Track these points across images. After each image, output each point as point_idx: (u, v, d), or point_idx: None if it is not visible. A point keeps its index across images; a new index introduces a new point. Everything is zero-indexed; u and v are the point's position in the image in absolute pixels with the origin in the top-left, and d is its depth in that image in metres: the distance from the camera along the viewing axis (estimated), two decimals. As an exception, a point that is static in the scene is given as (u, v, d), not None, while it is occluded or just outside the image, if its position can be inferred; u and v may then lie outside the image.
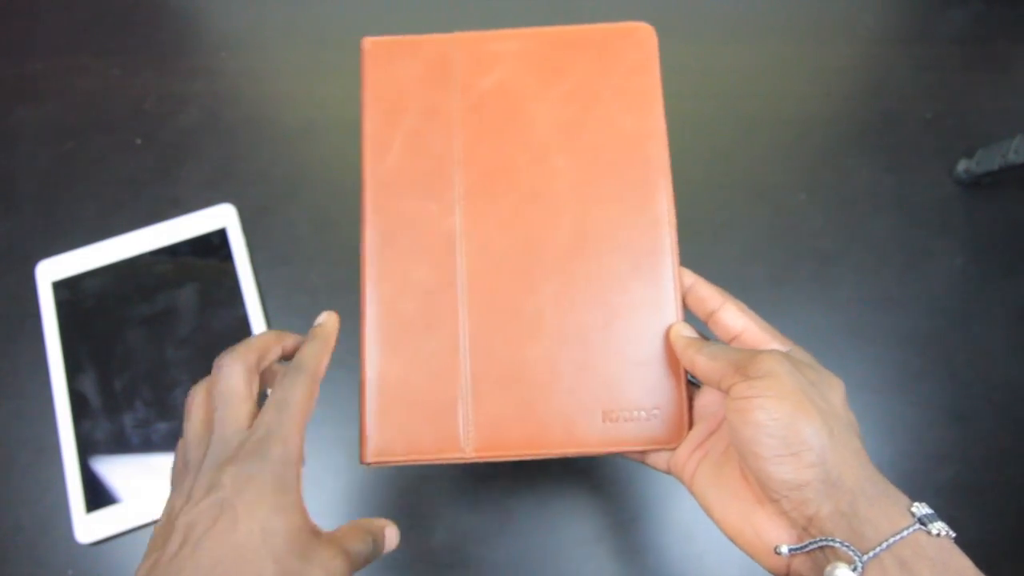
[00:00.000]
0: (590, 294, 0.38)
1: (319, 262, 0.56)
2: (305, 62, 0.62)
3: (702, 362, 0.34)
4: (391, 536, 0.35)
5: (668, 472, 0.38)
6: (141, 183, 0.59)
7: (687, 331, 0.37)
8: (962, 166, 0.56)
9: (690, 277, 0.39)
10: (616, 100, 0.40)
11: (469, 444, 0.37)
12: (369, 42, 0.42)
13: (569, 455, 0.38)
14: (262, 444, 0.31)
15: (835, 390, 0.33)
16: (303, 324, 0.54)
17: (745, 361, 0.32)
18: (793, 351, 0.35)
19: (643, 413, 0.38)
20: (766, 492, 0.31)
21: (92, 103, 0.61)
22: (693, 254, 0.55)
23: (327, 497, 0.50)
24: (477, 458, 0.37)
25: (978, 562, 0.28)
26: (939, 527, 0.28)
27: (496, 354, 0.38)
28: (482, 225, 0.39)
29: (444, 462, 0.37)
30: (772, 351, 0.32)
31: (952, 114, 0.59)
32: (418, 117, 0.40)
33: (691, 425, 0.38)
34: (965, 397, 0.52)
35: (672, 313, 0.38)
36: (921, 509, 0.29)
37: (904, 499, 0.30)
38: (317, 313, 0.54)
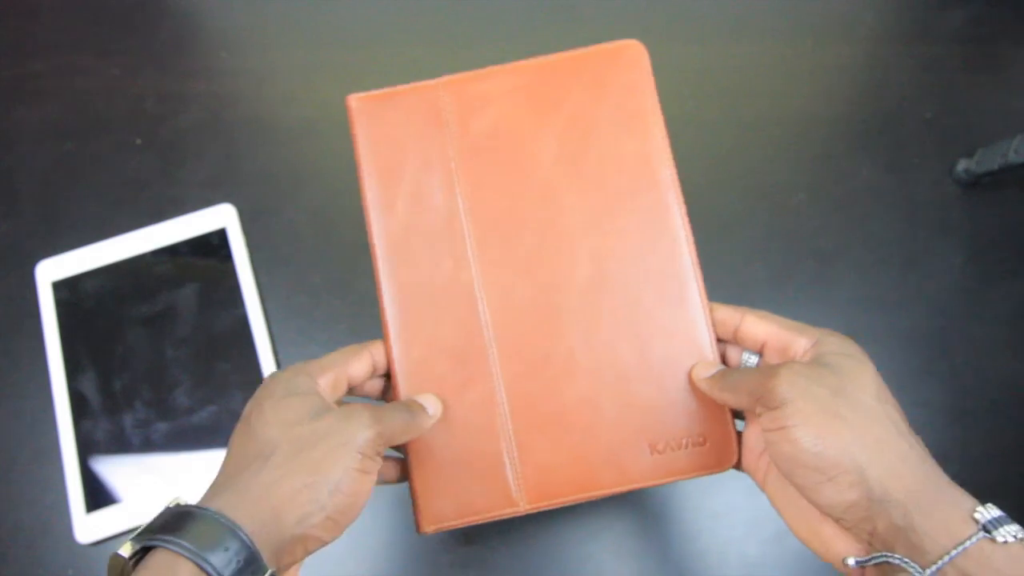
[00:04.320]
0: (619, 327, 0.37)
1: (319, 262, 0.56)
2: (305, 62, 0.62)
3: (728, 399, 0.34)
4: (430, 404, 0.36)
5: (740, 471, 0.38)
6: (141, 183, 0.58)
7: (705, 371, 0.36)
8: (962, 166, 0.56)
9: None
10: (615, 125, 0.39)
11: (522, 497, 0.37)
12: (355, 100, 0.40)
13: (622, 491, 0.37)
14: (280, 370, 0.34)
15: (864, 384, 0.31)
16: (303, 324, 0.55)
17: (760, 389, 0.31)
18: (821, 342, 0.33)
19: (689, 441, 0.37)
20: (822, 512, 0.30)
21: (92, 103, 0.61)
22: (693, 254, 0.55)
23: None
24: (532, 509, 0.37)
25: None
26: (1008, 532, 0.26)
27: (535, 402, 0.37)
28: (499, 274, 0.38)
29: (500, 518, 0.37)
30: (784, 369, 0.31)
31: (952, 114, 0.59)
32: (417, 172, 0.39)
33: (740, 446, 0.37)
34: (965, 397, 0.52)
35: (704, 336, 0.37)
36: (987, 513, 0.27)
37: (967, 502, 0.28)
38: (317, 313, 0.55)
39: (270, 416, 0.31)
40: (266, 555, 0.28)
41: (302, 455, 0.30)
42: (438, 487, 0.37)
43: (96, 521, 0.50)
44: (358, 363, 0.36)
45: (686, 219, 0.38)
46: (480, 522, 0.37)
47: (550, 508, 0.37)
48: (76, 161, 0.60)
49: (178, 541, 0.27)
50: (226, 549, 0.27)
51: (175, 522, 0.28)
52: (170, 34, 0.64)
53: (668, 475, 0.37)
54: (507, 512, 0.37)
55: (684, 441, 0.37)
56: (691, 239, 0.38)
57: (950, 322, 0.54)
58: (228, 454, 0.32)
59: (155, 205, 0.57)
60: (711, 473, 0.37)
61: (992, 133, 0.56)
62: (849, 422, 0.29)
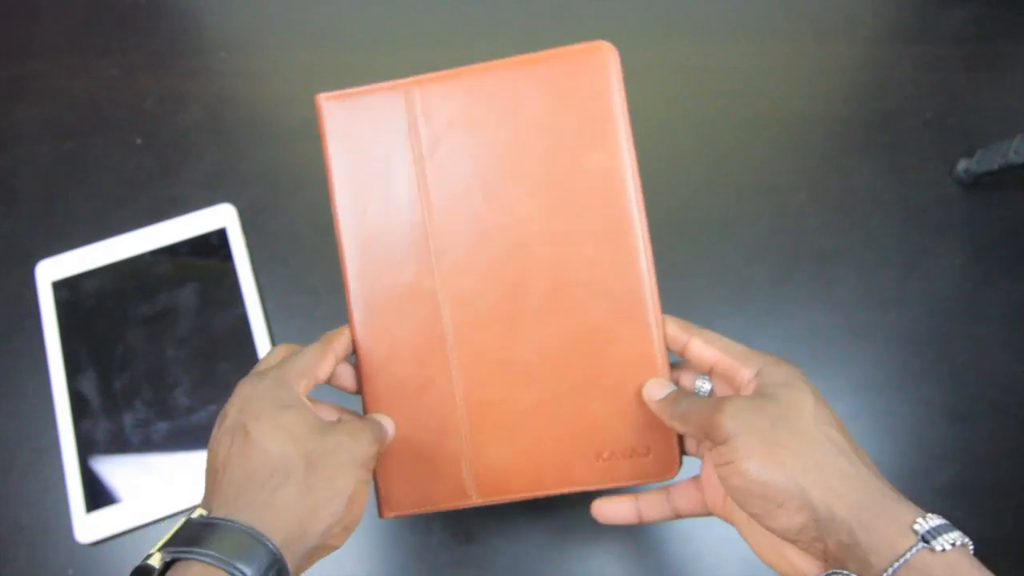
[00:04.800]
0: (574, 339, 0.38)
1: (319, 262, 0.56)
2: (305, 62, 0.62)
3: (677, 427, 0.35)
4: (388, 425, 0.38)
5: (711, 515, 0.38)
6: (141, 183, 0.59)
7: (657, 392, 0.37)
8: (962, 166, 0.56)
9: None
10: (578, 134, 0.38)
11: (474, 491, 0.40)
12: (324, 99, 0.39)
13: (566, 492, 0.40)
14: (255, 377, 0.34)
15: (801, 410, 0.31)
16: (303, 324, 0.55)
17: (707, 425, 0.32)
18: (763, 372, 0.34)
19: (633, 450, 0.39)
20: (779, 537, 0.31)
21: (92, 103, 0.61)
22: (694, 255, 0.55)
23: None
24: (483, 502, 0.40)
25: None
26: (946, 540, 0.27)
27: (491, 406, 0.39)
28: (461, 281, 0.39)
29: (453, 508, 0.40)
30: (728, 405, 0.32)
31: (952, 114, 0.59)
32: (384, 175, 0.39)
33: (682, 460, 0.39)
34: (965, 397, 0.52)
35: (656, 352, 0.38)
36: (926, 524, 0.28)
37: (908, 515, 0.28)
38: (317, 313, 0.55)
39: (276, 431, 0.31)
40: (291, 566, 0.29)
41: (321, 471, 0.31)
42: (399, 479, 0.40)
43: (96, 521, 0.50)
44: (324, 364, 0.37)
45: (647, 233, 0.38)
46: (435, 511, 0.40)
47: (500, 502, 0.40)
48: (76, 161, 0.60)
49: (210, 553, 0.27)
50: (259, 561, 0.28)
51: (203, 534, 0.28)
52: (170, 34, 0.64)
53: (611, 481, 0.39)
54: (461, 504, 0.40)
55: (629, 450, 0.39)
56: (650, 254, 0.38)
57: (950, 322, 0.54)
58: (228, 465, 0.31)
59: (155, 205, 0.57)
60: (652, 482, 0.39)
61: (992, 133, 0.56)
62: (790, 448, 0.30)
